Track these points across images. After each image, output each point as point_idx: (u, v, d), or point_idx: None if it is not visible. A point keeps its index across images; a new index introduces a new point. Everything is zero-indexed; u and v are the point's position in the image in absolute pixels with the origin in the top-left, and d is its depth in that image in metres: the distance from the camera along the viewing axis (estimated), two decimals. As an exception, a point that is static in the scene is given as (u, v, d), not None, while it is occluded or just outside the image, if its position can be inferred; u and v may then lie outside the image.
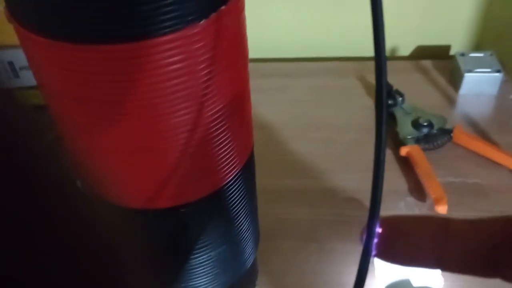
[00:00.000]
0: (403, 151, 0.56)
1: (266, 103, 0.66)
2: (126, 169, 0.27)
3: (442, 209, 0.49)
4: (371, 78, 0.68)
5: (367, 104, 0.65)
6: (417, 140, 0.57)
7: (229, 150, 0.29)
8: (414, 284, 0.39)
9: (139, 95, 0.24)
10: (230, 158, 0.30)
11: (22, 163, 0.11)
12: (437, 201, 0.49)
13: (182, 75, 0.24)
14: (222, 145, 0.29)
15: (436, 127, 0.58)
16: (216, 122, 0.27)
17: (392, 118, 0.60)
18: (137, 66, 0.23)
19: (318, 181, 0.56)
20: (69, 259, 0.11)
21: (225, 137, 0.28)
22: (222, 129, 0.28)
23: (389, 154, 0.58)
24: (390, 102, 0.61)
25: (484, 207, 0.52)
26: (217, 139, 0.28)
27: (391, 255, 0.20)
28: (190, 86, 0.25)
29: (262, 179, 0.57)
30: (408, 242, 0.19)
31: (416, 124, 0.58)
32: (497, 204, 0.52)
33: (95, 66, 0.22)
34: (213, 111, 0.27)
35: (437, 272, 0.41)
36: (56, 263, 0.11)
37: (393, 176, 0.56)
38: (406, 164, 0.56)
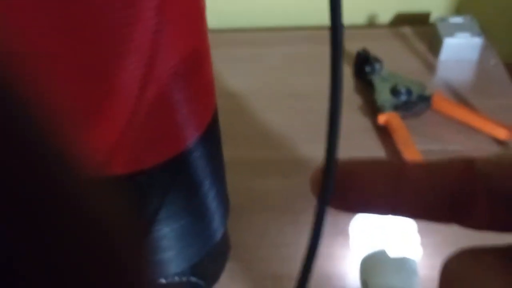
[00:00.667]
0: (381, 119, 0.54)
1: (239, 73, 0.63)
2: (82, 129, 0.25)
3: (420, 177, 0.47)
4: (348, 46, 0.65)
5: (345, 73, 0.63)
6: (396, 108, 0.55)
7: (186, 111, 0.27)
8: (390, 255, 0.38)
9: (81, 46, 0.21)
10: (189, 121, 0.28)
11: None
12: (415, 169, 0.48)
13: (128, 24, 0.22)
14: (178, 106, 0.26)
15: (415, 94, 0.56)
16: (170, 79, 0.25)
17: (370, 85, 0.58)
18: (79, 13, 0.20)
19: (293, 151, 0.54)
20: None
21: (181, 97, 0.26)
22: (178, 87, 0.26)
23: (366, 123, 0.56)
24: (367, 69, 0.58)
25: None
26: (172, 98, 0.26)
27: (344, 202, 0.18)
28: (138, 37, 0.22)
29: (234, 150, 0.55)
30: (361, 188, 0.17)
31: (394, 91, 0.56)
32: (477, 171, 0.50)
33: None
34: (166, 67, 0.24)
35: (415, 242, 0.40)
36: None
37: (370, 145, 0.54)
38: (384, 133, 0.54)
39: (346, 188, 0.18)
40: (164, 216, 0.31)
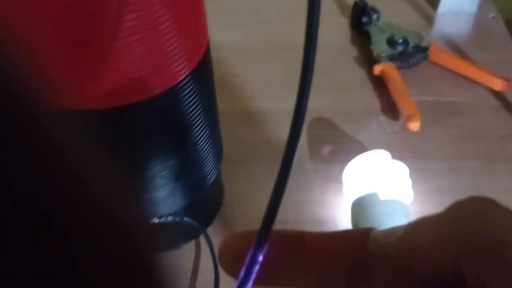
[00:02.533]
0: (377, 69, 0.53)
1: (235, 25, 0.62)
2: (65, 60, 0.25)
3: (414, 126, 0.47)
4: (346, -2, 0.64)
5: (341, 24, 0.62)
6: (392, 58, 0.54)
7: (176, 44, 0.27)
8: (382, 198, 0.38)
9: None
10: (179, 55, 0.28)
11: None
12: (409, 118, 0.48)
13: None
14: (168, 36, 0.26)
15: (411, 44, 0.55)
16: (158, 7, 0.25)
17: (367, 36, 0.57)
18: None
19: (289, 101, 0.53)
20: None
21: (170, 27, 0.26)
22: (166, 16, 0.25)
23: (362, 73, 0.56)
24: (364, 19, 0.58)
25: (459, 124, 0.50)
26: (161, 27, 0.25)
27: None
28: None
29: (228, 101, 0.55)
30: (265, 261, 0.18)
31: (391, 42, 0.55)
32: (472, 121, 0.50)
33: None
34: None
35: (406, 186, 0.40)
36: None
37: (366, 95, 0.54)
38: (379, 83, 0.54)
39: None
40: (157, 153, 0.31)
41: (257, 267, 0.18)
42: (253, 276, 0.18)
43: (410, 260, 0.16)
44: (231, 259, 0.18)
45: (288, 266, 0.18)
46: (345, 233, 0.18)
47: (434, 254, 0.15)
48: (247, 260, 0.18)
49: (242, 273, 0.18)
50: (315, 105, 0.52)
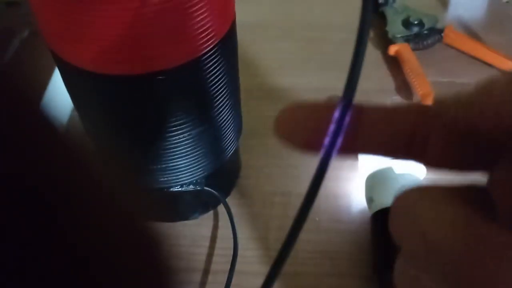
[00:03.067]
0: (392, 49, 0.54)
1: (252, 2, 0.63)
2: (100, 25, 0.26)
3: (428, 105, 0.48)
4: (362, -21, 0.65)
5: (357, 5, 0.63)
6: (407, 39, 0.55)
7: (205, 14, 0.28)
8: (396, 172, 0.39)
9: None
10: (207, 25, 0.29)
11: None
12: (423, 97, 0.49)
13: None
14: (198, 6, 0.27)
15: (426, 26, 0.56)
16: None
17: (382, 17, 0.58)
18: None
19: (307, 79, 0.54)
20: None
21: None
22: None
23: (377, 54, 0.56)
24: (381, 0, 0.58)
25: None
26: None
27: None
28: None
29: (247, 78, 0.55)
30: (319, 129, 0.19)
31: (406, 23, 0.56)
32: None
33: None
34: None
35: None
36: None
37: (380, 75, 0.54)
38: (394, 64, 0.55)
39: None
40: (182, 121, 0.32)
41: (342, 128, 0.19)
42: (338, 139, 0.19)
43: (476, 118, 0.16)
44: (292, 127, 0.19)
45: (349, 134, 0.18)
46: (406, 104, 0.19)
47: (504, 110, 0.15)
48: (335, 119, 0.18)
49: (331, 130, 0.19)
50: (331, 83, 0.53)
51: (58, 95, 0.47)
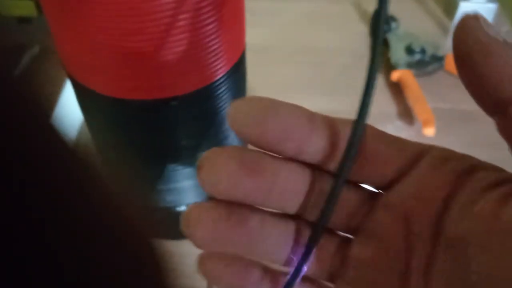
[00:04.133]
0: (394, 75, 0.55)
1: (257, 26, 0.64)
2: (116, 54, 0.27)
3: (429, 131, 0.49)
4: (366, 5, 0.66)
5: (361, 30, 0.64)
6: (409, 66, 0.56)
7: (219, 43, 0.29)
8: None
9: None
10: (220, 53, 0.30)
11: None
12: (425, 123, 0.50)
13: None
14: (211, 36, 0.28)
15: (429, 53, 0.57)
16: (204, 9, 0.27)
17: (385, 43, 0.59)
18: None
19: (310, 102, 0.55)
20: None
21: (214, 27, 0.28)
22: (211, 18, 0.27)
23: (380, 79, 0.57)
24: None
25: (473, 131, 0.52)
26: (206, 28, 0.27)
27: None
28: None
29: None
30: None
31: (409, 50, 0.57)
32: (485, 129, 0.52)
33: None
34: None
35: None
36: None
37: (383, 100, 0.55)
38: (396, 89, 0.56)
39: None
40: (192, 144, 0.33)
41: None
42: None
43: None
44: (249, 121, 0.19)
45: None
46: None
47: None
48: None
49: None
50: (333, 106, 0.54)
51: (68, 111, 0.48)
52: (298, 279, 0.21)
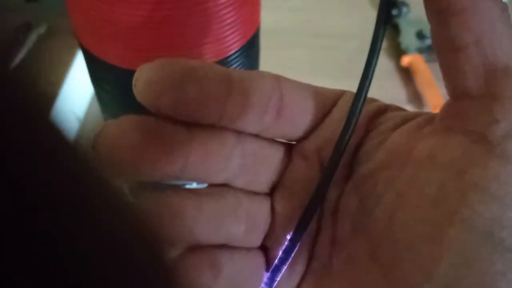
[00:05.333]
0: (405, 60, 0.55)
1: (267, 10, 0.64)
2: (132, 24, 0.26)
3: (440, 117, 0.49)
4: (376, -10, 0.66)
5: (371, 15, 0.63)
6: (420, 51, 0.56)
7: (234, 16, 0.28)
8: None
9: None
10: (235, 27, 0.29)
11: None
12: (435, 108, 0.49)
13: None
14: (227, 8, 0.27)
15: (439, 39, 0.57)
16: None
17: (396, 29, 0.59)
18: None
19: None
20: None
21: (229, 2, 0.27)
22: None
23: (389, 64, 0.57)
24: (394, 12, 0.59)
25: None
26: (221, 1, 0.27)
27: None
28: None
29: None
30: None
31: (420, 35, 0.57)
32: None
33: None
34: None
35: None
36: None
37: (392, 85, 0.55)
38: (406, 75, 0.55)
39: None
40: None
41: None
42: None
43: None
44: (162, 90, 0.18)
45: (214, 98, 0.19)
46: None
47: None
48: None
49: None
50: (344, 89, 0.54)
51: (77, 88, 0.47)
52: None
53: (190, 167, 0.19)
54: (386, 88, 0.54)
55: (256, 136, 0.20)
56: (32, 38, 0.53)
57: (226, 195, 0.20)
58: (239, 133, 0.20)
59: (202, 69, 0.18)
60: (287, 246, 0.20)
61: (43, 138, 0.09)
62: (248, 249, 0.21)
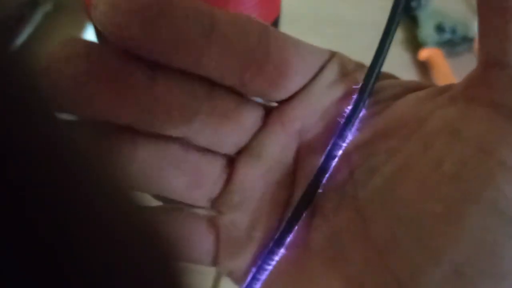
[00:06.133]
0: (423, 54, 0.53)
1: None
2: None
3: (458, 114, 0.47)
4: (394, -20, 0.64)
5: (388, 5, 0.62)
6: (438, 45, 0.54)
7: (254, 2, 0.27)
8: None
9: None
10: (256, 12, 0.28)
11: None
12: (454, 105, 0.47)
13: None
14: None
15: (459, 34, 0.55)
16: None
17: (414, 21, 0.57)
18: None
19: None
20: None
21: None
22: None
23: (406, 56, 0.55)
24: (413, 4, 0.57)
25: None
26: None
27: None
28: None
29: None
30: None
31: (439, 28, 0.55)
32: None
33: None
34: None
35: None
36: None
37: (408, 78, 0.53)
38: (423, 69, 0.54)
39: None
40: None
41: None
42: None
43: None
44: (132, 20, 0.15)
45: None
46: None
47: None
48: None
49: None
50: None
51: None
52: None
53: (146, 115, 0.17)
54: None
55: (230, 91, 0.18)
56: (38, 16, 0.50)
57: (171, 146, 0.18)
58: (212, 85, 0.18)
59: (182, 9, 0.16)
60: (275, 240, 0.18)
61: (43, 134, 0.08)
62: (193, 208, 0.19)
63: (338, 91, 0.20)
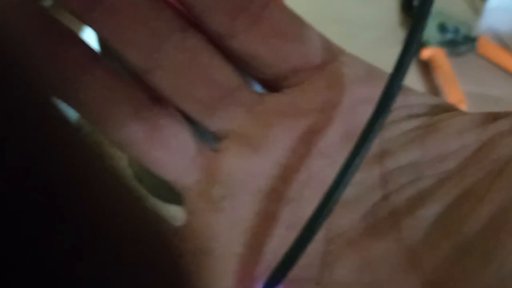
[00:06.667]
0: (425, 53, 0.52)
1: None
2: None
3: (460, 114, 0.47)
4: (397, -20, 0.63)
5: (392, 5, 0.61)
6: (440, 44, 0.54)
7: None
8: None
9: None
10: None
11: None
12: (455, 104, 0.47)
13: None
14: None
15: (461, 33, 0.55)
16: None
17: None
18: None
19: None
20: None
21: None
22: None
23: (409, 56, 0.55)
24: (416, 3, 0.57)
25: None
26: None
27: None
28: None
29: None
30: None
31: (441, 28, 0.55)
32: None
33: None
34: None
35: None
36: None
37: (411, 79, 0.53)
38: (426, 69, 0.53)
39: None
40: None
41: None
42: None
43: None
44: None
45: None
46: None
47: None
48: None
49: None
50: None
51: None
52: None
53: (108, 20, 0.16)
54: (405, 81, 0.52)
55: (212, 45, 0.17)
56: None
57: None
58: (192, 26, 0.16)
59: None
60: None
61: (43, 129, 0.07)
62: None
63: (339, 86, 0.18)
